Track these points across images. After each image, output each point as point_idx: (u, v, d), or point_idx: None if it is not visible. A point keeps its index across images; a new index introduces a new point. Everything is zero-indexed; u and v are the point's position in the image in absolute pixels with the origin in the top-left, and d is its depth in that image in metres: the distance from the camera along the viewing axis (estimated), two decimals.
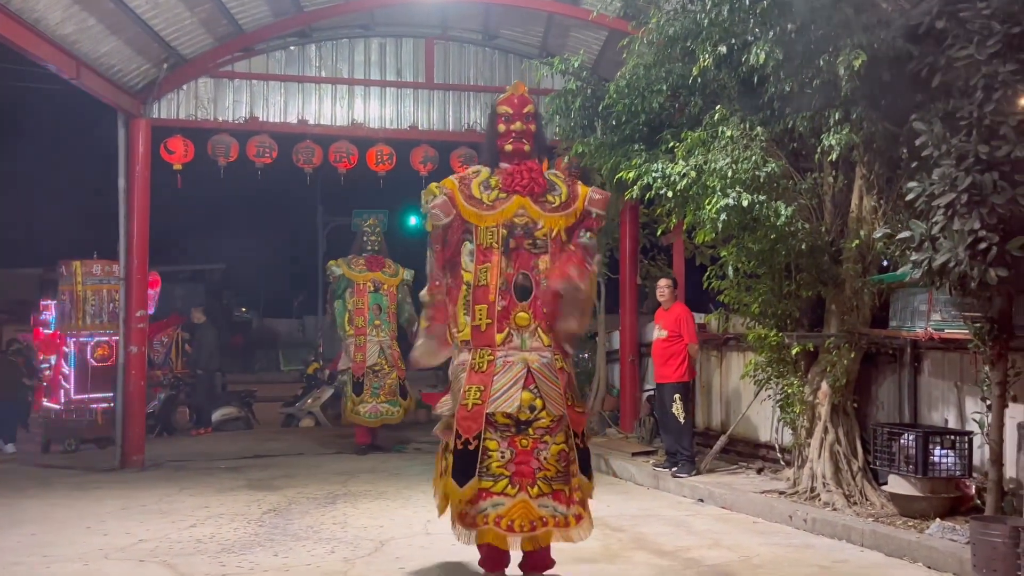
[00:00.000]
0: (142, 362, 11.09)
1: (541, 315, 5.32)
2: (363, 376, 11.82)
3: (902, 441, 7.17)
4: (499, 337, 5.31)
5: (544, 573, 5.49)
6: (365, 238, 12.47)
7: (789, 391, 8.37)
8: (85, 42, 9.57)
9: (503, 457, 5.14)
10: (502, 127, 5.55)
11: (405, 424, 12.59)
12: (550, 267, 5.37)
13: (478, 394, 5.22)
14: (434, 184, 5.63)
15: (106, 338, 12.16)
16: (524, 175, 5.38)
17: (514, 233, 5.38)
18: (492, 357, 5.29)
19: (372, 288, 12.10)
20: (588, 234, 5.55)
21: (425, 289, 5.66)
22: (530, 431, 5.16)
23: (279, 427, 15.01)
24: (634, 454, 10.51)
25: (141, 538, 7.15)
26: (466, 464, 5.18)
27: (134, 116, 10.98)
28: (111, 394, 11.60)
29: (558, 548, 5.64)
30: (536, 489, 5.12)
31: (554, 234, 5.40)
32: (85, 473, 10.43)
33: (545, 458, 5.14)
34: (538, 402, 5.19)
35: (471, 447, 5.17)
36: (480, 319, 5.37)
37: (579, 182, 5.69)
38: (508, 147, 5.50)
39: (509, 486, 5.11)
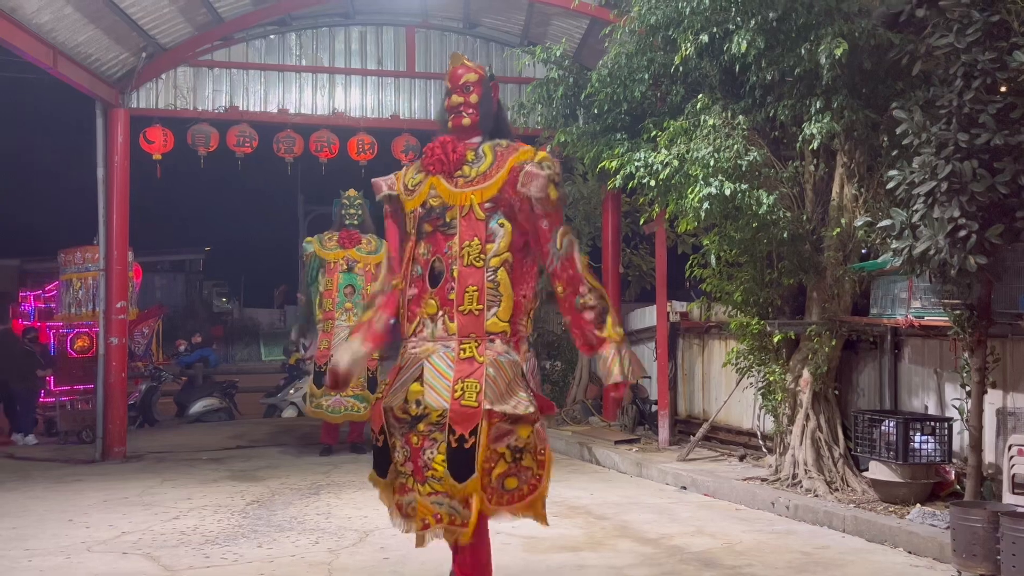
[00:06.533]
0: (123, 353, 11.02)
1: (447, 302, 4.68)
2: (326, 365, 10.39)
3: (883, 428, 7.23)
4: (410, 328, 4.81)
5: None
6: (343, 211, 11.30)
7: (771, 379, 8.41)
8: (62, 31, 9.47)
9: (400, 456, 4.67)
10: (445, 104, 4.99)
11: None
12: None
13: (384, 388, 4.84)
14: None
15: (86, 329, 12.06)
16: (436, 151, 4.79)
17: (429, 216, 4.78)
18: (405, 349, 4.82)
19: (344, 267, 11.00)
20: (561, 241, 4.61)
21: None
22: (420, 427, 4.56)
23: (261, 418, 14.96)
24: (617, 442, 10.55)
25: (124, 531, 7.11)
26: (383, 457, 4.78)
27: (113, 106, 10.89)
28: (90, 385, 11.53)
29: (543, 535, 5.63)
30: (427, 487, 4.52)
31: (465, 212, 4.70)
32: (66, 465, 10.36)
33: (430, 457, 4.51)
34: (426, 396, 4.58)
35: (378, 442, 4.79)
36: (400, 310, 4.92)
37: (522, 146, 4.82)
38: (450, 124, 4.90)
39: (414, 482, 4.60)
